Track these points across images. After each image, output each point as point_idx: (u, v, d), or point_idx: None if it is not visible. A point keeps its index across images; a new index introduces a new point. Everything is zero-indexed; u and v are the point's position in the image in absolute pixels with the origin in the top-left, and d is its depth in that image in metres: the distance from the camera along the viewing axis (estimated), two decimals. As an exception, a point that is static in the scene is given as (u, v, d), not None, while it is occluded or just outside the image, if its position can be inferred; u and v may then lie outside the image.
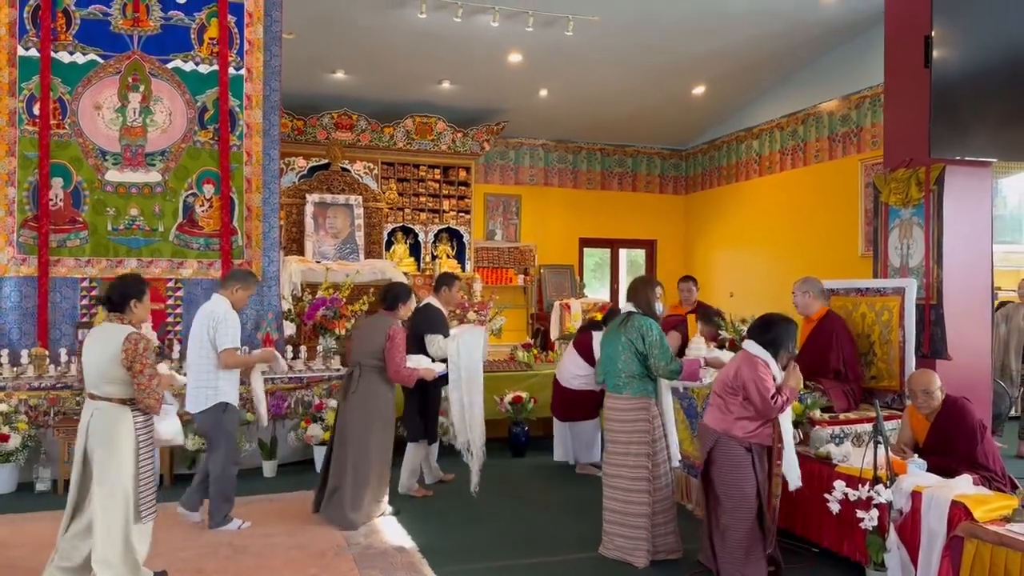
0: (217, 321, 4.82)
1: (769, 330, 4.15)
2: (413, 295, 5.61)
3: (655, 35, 9.76)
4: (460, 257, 11.78)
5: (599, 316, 8.34)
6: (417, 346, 5.65)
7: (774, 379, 4.04)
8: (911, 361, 5.13)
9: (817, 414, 4.83)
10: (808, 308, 5.41)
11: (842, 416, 4.92)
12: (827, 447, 4.55)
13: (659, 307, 4.68)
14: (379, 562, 4.39)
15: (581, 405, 6.48)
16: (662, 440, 4.52)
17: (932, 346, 5.46)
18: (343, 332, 7.29)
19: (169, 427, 4.27)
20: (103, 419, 3.76)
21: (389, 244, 11.20)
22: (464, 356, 5.52)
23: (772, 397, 3.96)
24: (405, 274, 9.74)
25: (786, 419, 4.14)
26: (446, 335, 5.73)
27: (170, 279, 6.92)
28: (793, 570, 4.30)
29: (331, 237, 9.74)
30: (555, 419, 6.76)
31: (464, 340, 5.58)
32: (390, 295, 5.39)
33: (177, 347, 6.72)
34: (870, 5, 8.48)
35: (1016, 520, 3.46)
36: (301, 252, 9.56)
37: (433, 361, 5.56)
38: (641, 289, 4.71)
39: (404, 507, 5.40)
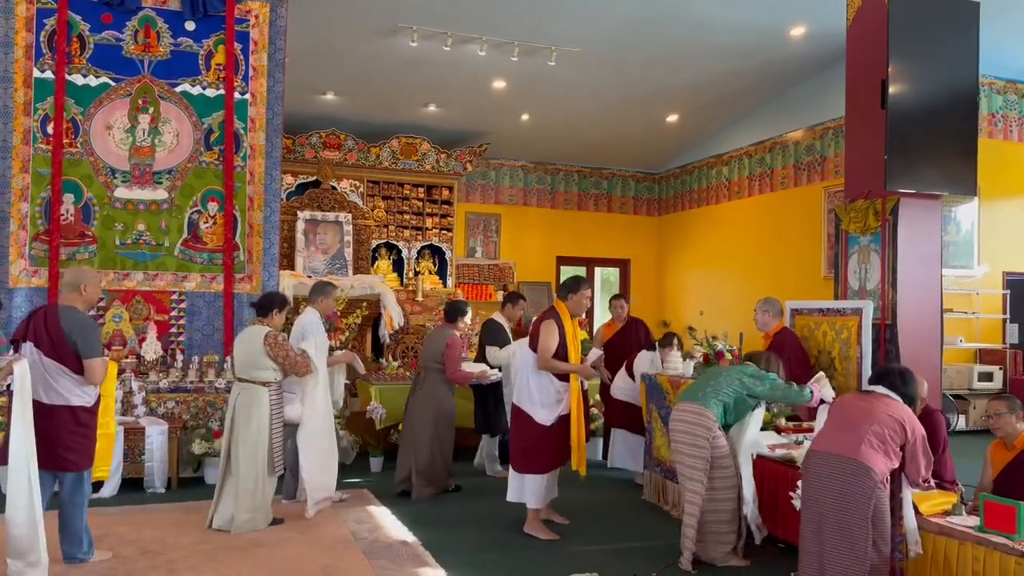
0: (303, 328, 5.61)
1: (909, 384, 4.04)
2: (470, 310, 6.60)
3: (633, 67, 10.32)
4: (442, 273, 12.17)
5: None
6: (479, 354, 6.85)
7: None
8: (868, 376, 5.63)
9: (783, 422, 5.32)
10: (767, 326, 5.94)
11: (805, 424, 5.41)
12: (792, 451, 5.02)
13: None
14: (386, 553, 4.78)
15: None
16: (728, 459, 4.65)
17: (887, 362, 5.99)
18: (338, 345, 7.65)
19: (292, 411, 5.53)
20: (247, 395, 5.12)
21: (373, 260, 11.56)
22: (516, 362, 6.21)
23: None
24: (392, 289, 10.12)
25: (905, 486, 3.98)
26: (502, 345, 6.66)
27: (174, 292, 7.25)
28: (761, 564, 4.76)
29: (321, 253, 10.11)
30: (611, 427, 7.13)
31: (518, 350, 6.30)
32: (451, 310, 6.34)
33: (180, 357, 7.05)
34: (833, 43, 9.09)
35: (955, 514, 3.98)
36: (292, 267, 9.90)
37: (491, 367, 6.60)
38: (763, 360, 4.86)
39: (399, 507, 5.80)
